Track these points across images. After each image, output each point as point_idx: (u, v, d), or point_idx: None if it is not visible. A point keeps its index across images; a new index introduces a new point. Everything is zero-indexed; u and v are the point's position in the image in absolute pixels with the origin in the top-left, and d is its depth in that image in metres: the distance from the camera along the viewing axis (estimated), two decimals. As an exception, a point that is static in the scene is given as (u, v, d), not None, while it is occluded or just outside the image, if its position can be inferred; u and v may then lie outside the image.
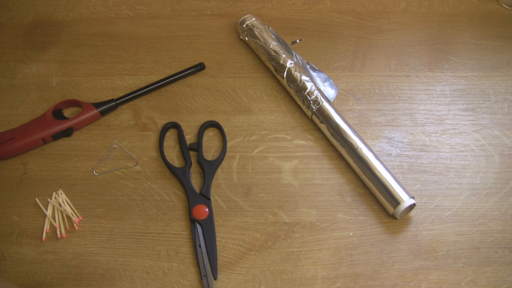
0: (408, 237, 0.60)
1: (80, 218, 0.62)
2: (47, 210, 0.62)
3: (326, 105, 0.66)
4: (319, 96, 0.66)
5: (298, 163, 0.65)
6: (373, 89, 0.71)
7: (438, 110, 0.70)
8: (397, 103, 0.70)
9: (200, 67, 0.73)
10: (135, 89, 0.71)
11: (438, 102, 0.70)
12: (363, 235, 0.60)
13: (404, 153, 0.66)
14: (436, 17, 0.79)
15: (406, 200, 0.59)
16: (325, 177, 0.64)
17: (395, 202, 0.59)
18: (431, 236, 0.60)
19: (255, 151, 0.67)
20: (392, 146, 0.67)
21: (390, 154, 0.66)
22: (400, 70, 0.73)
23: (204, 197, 0.62)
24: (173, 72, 0.73)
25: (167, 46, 0.77)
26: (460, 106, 0.70)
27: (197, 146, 0.66)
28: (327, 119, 0.65)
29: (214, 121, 0.68)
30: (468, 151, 0.66)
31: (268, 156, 0.66)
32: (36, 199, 0.63)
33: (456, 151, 0.66)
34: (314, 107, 0.66)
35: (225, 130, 0.68)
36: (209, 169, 0.64)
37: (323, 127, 0.66)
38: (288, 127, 0.68)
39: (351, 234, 0.60)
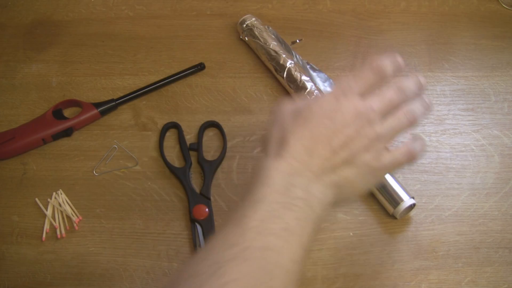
0: (408, 237, 0.60)
1: (80, 218, 0.62)
2: (47, 210, 0.62)
3: None
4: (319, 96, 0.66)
5: (298, 163, 0.65)
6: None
7: (438, 110, 0.70)
8: (397, 103, 0.70)
9: (200, 67, 0.73)
10: (135, 89, 0.71)
11: (438, 102, 0.70)
12: (363, 235, 0.60)
13: (404, 153, 0.66)
14: (436, 17, 0.79)
15: (406, 200, 0.59)
16: (325, 177, 0.64)
17: (395, 202, 0.59)
18: (431, 236, 0.60)
19: (255, 151, 0.67)
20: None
21: (390, 154, 0.66)
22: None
23: (204, 197, 0.62)
24: (173, 72, 0.73)
25: (167, 46, 0.77)
26: (460, 106, 0.70)
27: (197, 146, 0.66)
28: None
29: (214, 121, 0.68)
30: (468, 151, 0.66)
31: (268, 156, 0.66)
32: (36, 199, 0.63)
33: (456, 151, 0.66)
34: None
35: (225, 130, 0.68)
36: (209, 169, 0.64)
37: None
38: (288, 127, 0.68)
39: (351, 234, 0.60)
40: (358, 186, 0.46)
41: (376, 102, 0.45)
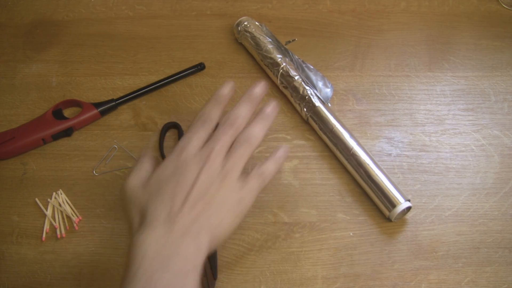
0: (408, 237, 0.60)
1: (80, 218, 0.62)
2: (47, 210, 0.62)
3: (320, 107, 0.65)
4: (313, 99, 0.66)
5: (298, 163, 0.65)
6: (373, 89, 0.72)
7: (438, 110, 0.70)
8: (397, 103, 0.70)
9: (200, 67, 0.73)
10: (135, 89, 0.71)
11: (438, 102, 0.70)
12: (363, 235, 0.60)
13: (404, 153, 0.66)
14: (436, 17, 0.79)
15: (400, 204, 0.58)
16: (325, 177, 0.64)
17: (390, 205, 0.59)
18: (431, 236, 0.60)
19: (255, 151, 0.66)
20: (392, 146, 0.67)
21: (390, 154, 0.66)
22: (400, 70, 0.73)
23: (204, 197, 0.62)
24: (173, 72, 0.73)
25: (167, 46, 0.77)
26: (460, 106, 0.70)
27: (197, 146, 0.66)
28: (322, 122, 0.65)
29: (214, 121, 0.68)
30: (468, 151, 0.66)
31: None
32: (36, 199, 0.63)
33: (456, 151, 0.66)
34: (307, 111, 0.66)
35: (225, 130, 0.68)
36: (209, 169, 0.64)
37: (318, 129, 0.66)
38: (288, 127, 0.68)
39: (351, 234, 0.60)
40: (227, 222, 0.48)
41: (212, 145, 0.48)
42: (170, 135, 0.69)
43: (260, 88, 0.53)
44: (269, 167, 0.51)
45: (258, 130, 0.51)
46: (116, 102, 0.69)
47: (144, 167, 0.50)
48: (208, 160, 0.48)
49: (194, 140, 0.49)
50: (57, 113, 0.68)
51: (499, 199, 0.62)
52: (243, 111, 0.51)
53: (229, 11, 0.80)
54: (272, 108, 0.53)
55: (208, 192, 0.47)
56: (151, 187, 0.47)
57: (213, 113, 0.52)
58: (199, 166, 0.47)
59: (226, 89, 0.53)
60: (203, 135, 0.50)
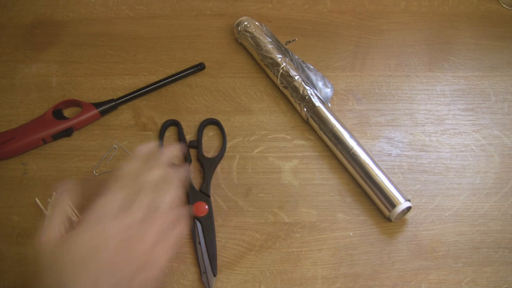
0: (408, 237, 0.60)
1: (80, 218, 0.62)
2: (47, 210, 0.62)
3: (320, 107, 0.66)
4: (313, 98, 0.66)
5: (298, 163, 0.65)
6: (373, 89, 0.72)
7: (438, 110, 0.70)
8: (397, 103, 0.70)
9: (200, 67, 0.73)
10: (135, 89, 0.71)
11: (438, 102, 0.70)
12: (363, 235, 0.60)
13: (404, 153, 0.66)
14: (436, 17, 0.79)
15: (400, 204, 0.58)
16: (325, 177, 0.64)
17: (390, 205, 0.59)
18: (431, 236, 0.60)
19: (255, 151, 0.67)
20: (392, 146, 0.67)
21: (390, 154, 0.66)
22: (400, 70, 0.73)
23: (204, 194, 0.62)
24: (173, 72, 0.73)
25: (167, 46, 0.77)
26: (460, 106, 0.70)
27: (196, 143, 0.66)
28: (322, 122, 0.65)
29: (214, 119, 0.68)
30: (468, 151, 0.66)
31: (268, 156, 0.66)
32: (36, 199, 0.63)
33: (456, 151, 0.66)
34: (308, 111, 0.66)
35: (225, 130, 0.68)
36: (208, 166, 0.64)
37: (318, 129, 0.66)
38: (288, 127, 0.68)
39: (351, 234, 0.60)
40: None
41: (132, 213, 0.49)
42: (170, 135, 0.69)
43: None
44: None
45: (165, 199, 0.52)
46: (116, 102, 0.69)
47: (57, 226, 0.49)
48: (130, 225, 0.49)
49: (111, 206, 0.51)
50: (57, 113, 0.68)
51: (499, 199, 0.62)
52: (156, 175, 0.53)
53: (229, 11, 0.80)
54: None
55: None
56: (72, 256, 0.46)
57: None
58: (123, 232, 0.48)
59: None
60: (119, 201, 0.52)
